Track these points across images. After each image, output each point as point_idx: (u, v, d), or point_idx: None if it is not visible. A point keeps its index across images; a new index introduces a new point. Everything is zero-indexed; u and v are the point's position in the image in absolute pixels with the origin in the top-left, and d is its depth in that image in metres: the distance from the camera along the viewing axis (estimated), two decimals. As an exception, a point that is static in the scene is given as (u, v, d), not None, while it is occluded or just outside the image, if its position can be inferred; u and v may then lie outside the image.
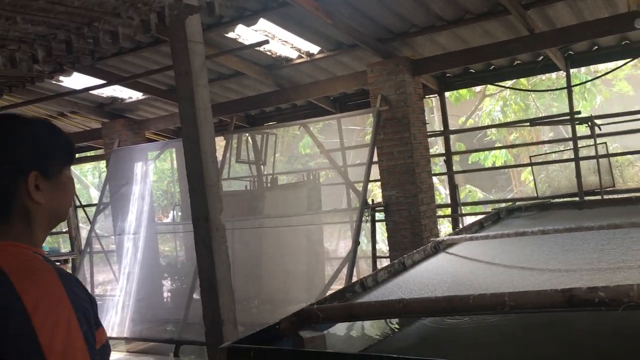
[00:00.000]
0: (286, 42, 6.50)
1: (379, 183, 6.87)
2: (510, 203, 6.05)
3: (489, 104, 11.92)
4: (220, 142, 8.95)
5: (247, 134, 8.58)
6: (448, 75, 7.49)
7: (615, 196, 6.18)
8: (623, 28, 5.41)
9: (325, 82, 7.20)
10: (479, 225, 4.73)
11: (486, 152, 11.16)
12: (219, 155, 8.58)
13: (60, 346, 1.09)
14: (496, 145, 11.22)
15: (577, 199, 6.10)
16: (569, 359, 2.39)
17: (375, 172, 6.85)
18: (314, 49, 6.76)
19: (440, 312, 2.43)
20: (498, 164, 11.19)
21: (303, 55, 6.92)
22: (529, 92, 10.78)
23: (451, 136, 12.12)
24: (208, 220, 3.53)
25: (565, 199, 6.22)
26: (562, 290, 2.14)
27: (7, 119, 1.27)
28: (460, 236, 4.16)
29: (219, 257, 3.53)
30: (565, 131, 10.73)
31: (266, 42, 5.63)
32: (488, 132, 12.07)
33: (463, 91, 10.07)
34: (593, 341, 2.58)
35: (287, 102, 7.86)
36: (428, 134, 7.28)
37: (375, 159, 6.61)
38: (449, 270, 3.58)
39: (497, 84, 7.55)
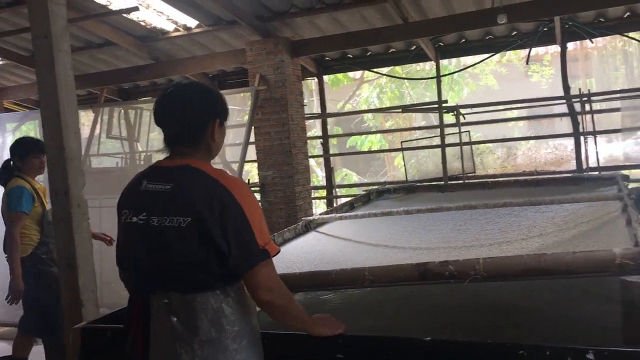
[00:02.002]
0: (162, 12, 6.22)
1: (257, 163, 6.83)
2: (381, 185, 6.28)
3: (367, 90, 12.28)
4: (90, 115, 8.42)
5: (120, 108, 8.14)
6: (327, 58, 7.59)
7: (475, 181, 6.62)
8: (487, 23, 5.77)
9: (203, 58, 7.00)
10: (350, 206, 4.88)
11: (362, 138, 11.50)
12: (88, 129, 8.08)
13: (258, 223, 1.76)
14: (372, 131, 11.59)
15: (442, 182, 6.47)
16: (422, 328, 2.54)
17: (253, 152, 6.80)
18: (192, 22, 6.54)
19: (305, 287, 2.47)
20: (374, 149, 11.58)
21: (180, 29, 6.67)
22: (403, 81, 11.23)
23: (329, 120, 12.38)
24: (68, 195, 3.30)
25: (430, 183, 6.57)
26: (417, 264, 2.26)
27: (203, 85, 1.97)
28: (330, 215, 4.27)
29: (79, 235, 3.32)
30: (435, 119, 11.30)
31: (135, 9, 5.33)
32: (365, 118, 12.44)
33: (340, 76, 10.27)
34: (444, 313, 2.76)
35: (162, 76, 7.55)
36: (306, 116, 7.35)
37: (252, 139, 6.57)
38: (318, 248, 3.66)
39: (373, 70, 7.78)
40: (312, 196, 8.23)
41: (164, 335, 1.75)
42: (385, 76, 9.35)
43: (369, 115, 12.09)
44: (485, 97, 13.43)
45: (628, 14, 6.29)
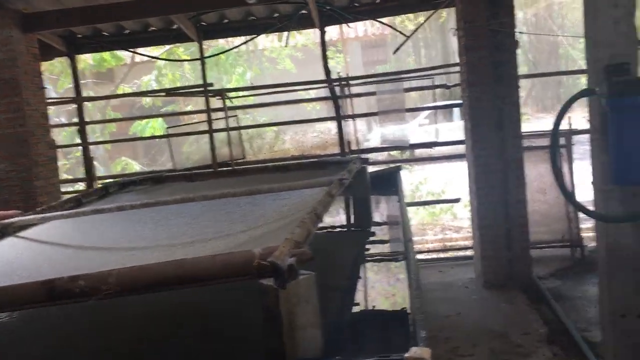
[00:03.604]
0: None
1: None
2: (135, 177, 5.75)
3: (148, 73, 11.52)
4: None
5: None
6: (79, 36, 6.80)
7: (225, 169, 6.41)
8: (239, 2, 5.50)
9: None
10: (76, 202, 4.29)
11: (143, 123, 10.74)
12: None
13: None
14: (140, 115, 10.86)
15: (193, 172, 6.12)
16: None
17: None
18: None
19: None
20: (157, 134, 10.88)
21: None
22: (184, 64, 10.68)
23: (105, 105, 11.44)
24: None
25: (183, 172, 6.20)
26: (43, 282, 1.83)
27: None
28: (33, 217, 3.67)
29: None
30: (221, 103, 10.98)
31: None
32: (144, 103, 11.67)
33: (107, 57, 9.42)
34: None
35: None
36: (56, 100, 6.51)
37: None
38: (5, 258, 3.08)
39: (132, 50, 7.16)
40: (72, 190, 7.44)
41: None
42: (147, 57, 8.69)
43: (148, 100, 11.36)
44: (283, 80, 13.52)
45: (380, -1, 6.49)
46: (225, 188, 4.31)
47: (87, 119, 9.37)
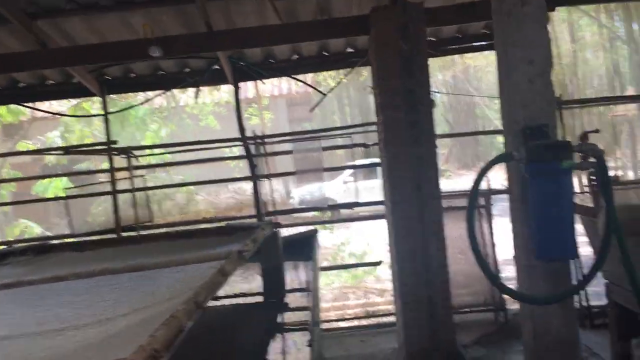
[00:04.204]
0: None
1: None
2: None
3: (55, 129, 10.78)
4: None
5: None
6: (-36, 88, 6.18)
7: (140, 234, 5.88)
8: (142, 55, 5.10)
9: None
10: None
11: (46, 183, 9.94)
12: None
13: None
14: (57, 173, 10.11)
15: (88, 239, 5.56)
16: None
17: None
18: None
19: None
20: (60, 195, 10.09)
21: None
22: (94, 120, 10.09)
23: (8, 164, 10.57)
24: None
25: (74, 239, 5.62)
26: None
27: None
28: None
29: None
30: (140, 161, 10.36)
31: None
32: (47, 161, 10.87)
33: (2, 111, 8.71)
34: None
35: None
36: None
37: None
38: None
39: (27, 105, 6.58)
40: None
41: None
42: (48, 113, 8.08)
43: (51, 158, 10.59)
44: (207, 137, 13.05)
45: (296, 56, 6.30)
46: (116, 259, 3.83)
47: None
